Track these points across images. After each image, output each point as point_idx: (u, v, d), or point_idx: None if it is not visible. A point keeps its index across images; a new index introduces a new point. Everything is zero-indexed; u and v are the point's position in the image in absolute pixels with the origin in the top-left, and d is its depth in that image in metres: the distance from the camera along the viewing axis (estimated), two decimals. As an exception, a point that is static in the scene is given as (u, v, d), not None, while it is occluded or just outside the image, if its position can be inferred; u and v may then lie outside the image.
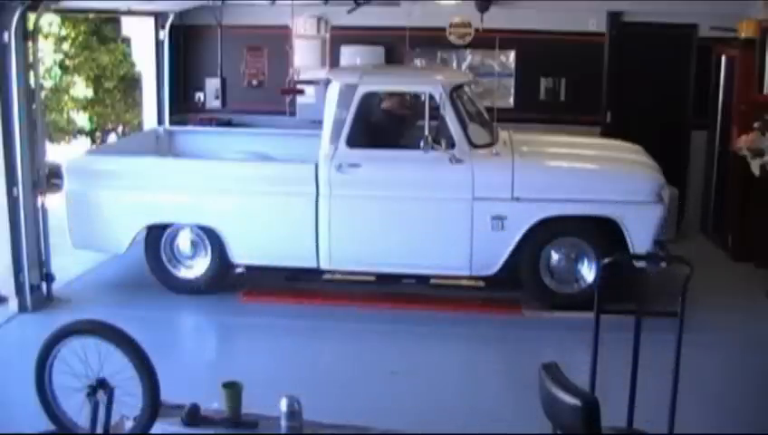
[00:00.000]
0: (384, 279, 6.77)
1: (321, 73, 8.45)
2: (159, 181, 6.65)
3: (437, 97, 6.29)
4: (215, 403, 3.47)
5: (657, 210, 6.22)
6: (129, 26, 9.50)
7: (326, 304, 6.60)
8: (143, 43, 9.36)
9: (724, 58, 8.13)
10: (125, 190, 6.60)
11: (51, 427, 3.43)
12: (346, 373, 5.33)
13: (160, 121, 9.20)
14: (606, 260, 3.73)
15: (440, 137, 6.27)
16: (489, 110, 7.92)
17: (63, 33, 13.07)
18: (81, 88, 13.53)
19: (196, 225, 6.65)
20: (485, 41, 9.05)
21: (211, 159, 7.25)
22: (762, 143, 7.34)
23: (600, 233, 6.28)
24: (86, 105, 13.75)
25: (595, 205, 6.23)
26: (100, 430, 3.21)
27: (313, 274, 6.74)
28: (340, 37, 9.30)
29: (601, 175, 6.44)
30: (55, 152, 12.10)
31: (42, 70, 11.51)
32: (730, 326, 6.22)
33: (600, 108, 8.99)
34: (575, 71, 9.02)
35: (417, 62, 9.37)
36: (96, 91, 13.68)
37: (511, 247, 6.30)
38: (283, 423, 3.19)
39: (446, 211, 6.31)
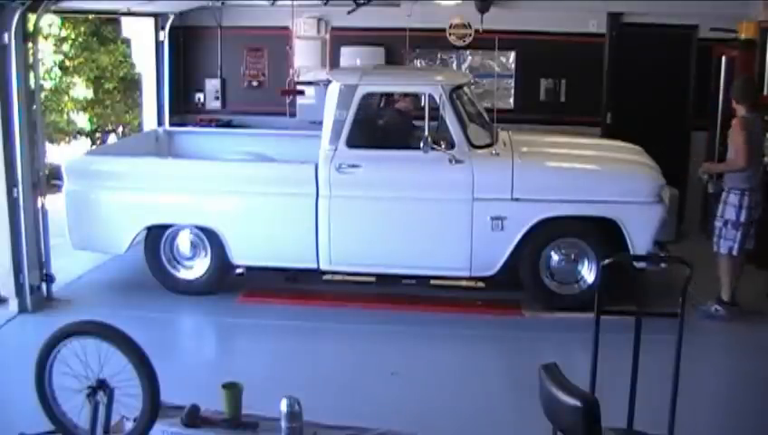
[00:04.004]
0: (384, 280, 6.77)
1: (321, 74, 8.46)
2: (159, 182, 6.66)
3: (437, 98, 6.29)
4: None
5: (657, 211, 6.22)
6: (128, 27, 9.50)
7: (326, 305, 6.60)
8: (143, 44, 9.37)
9: (724, 59, 8.13)
10: (125, 191, 6.60)
11: (50, 428, 3.43)
12: (346, 374, 5.33)
13: (160, 122, 9.21)
14: (606, 261, 3.73)
15: (440, 137, 6.27)
16: (489, 110, 7.94)
17: (63, 34, 13.06)
18: (80, 89, 13.52)
19: (195, 225, 6.65)
20: (485, 42, 9.06)
21: (211, 159, 7.24)
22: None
23: (601, 233, 6.29)
24: (86, 106, 13.74)
25: (595, 205, 6.23)
26: (99, 430, 3.21)
27: (313, 274, 6.74)
28: (340, 38, 9.30)
29: (601, 175, 6.44)
30: (55, 153, 12.10)
31: (42, 71, 11.50)
32: (730, 327, 6.22)
33: (600, 109, 8.99)
34: (575, 71, 9.02)
35: (417, 62, 9.38)
36: (96, 92, 13.66)
37: (511, 248, 6.30)
38: (283, 424, 3.18)
39: (445, 212, 6.31)
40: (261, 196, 6.48)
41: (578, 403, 2.63)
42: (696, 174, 8.60)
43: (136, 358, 3.13)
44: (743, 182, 6.16)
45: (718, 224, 6.30)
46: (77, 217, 6.64)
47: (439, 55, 9.40)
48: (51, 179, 7.09)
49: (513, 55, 9.24)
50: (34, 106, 6.34)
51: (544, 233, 6.33)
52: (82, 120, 13.92)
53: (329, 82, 6.75)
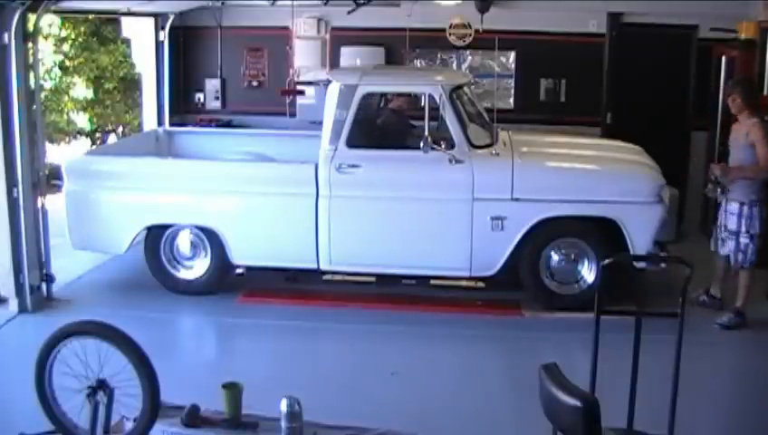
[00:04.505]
0: (384, 280, 6.77)
1: (322, 74, 8.46)
2: (159, 182, 6.66)
3: (437, 98, 6.29)
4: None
5: (657, 211, 6.22)
6: (128, 27, 9.50)
7: (326, 305, 6.60)
8: (143, 44, 9.37)
9: (724, 59, 8.13)
10: (125, 191, 6.60)
11: (50, 428, 3.43)
12: (346, 374, 5.33)
13: (160, 122, 9.21)
14: (606, 261, 3.73)
15: (440, 137, 6.27)
16: (489, 110, 7.94)
17: (63, 34, 13.07)
18: (80, 89, 13.53)
19: (195, 225, 6.65)
20: (485, 42, 9.06)
21: (211, 159, 7.24)
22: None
23: (601, 233, 6.28)
24: (86, 106, 13.75)
25: (595, 205, 6.23)
26: (99, 431, 3.21)
27: (313, 274, 6.74)
28: (340, 38, 9.30)
29: (601, 175, 6.44)
30: (55, 153, 12.11)
31: (42, 71, 11.52)
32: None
33: (600, 109, 8.99)
34: (575, 71, 9.02)
35: (417, 62, 9.38)
36: (96, 92, 13.67)
37: (511, 248, 6.29)
38: (283, 424, 3.18)
39: (445, 212, 6.31)
40: (261, 196, 6.48)
41: (578, 403, 2.63)
42: (695, 174, 8.64)
43: (136, 358, 3.13)
44: (761, 192, 5.98)
45: (744, 240, 5.99)
46: (77, 217, 6.64)
47: (439, 55, 9.40)
48: (51, 179, 7.08)
49: (513, 55, 9.23)
50: (34, 106, 6.34)
51: (544, 233, 6.33)
52: (82, 120, 13.93)
53: (329, 82, 6.75)
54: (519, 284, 6.52)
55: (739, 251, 6.06)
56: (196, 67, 9.73)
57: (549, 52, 8.97)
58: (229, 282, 6.88)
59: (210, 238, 6.62)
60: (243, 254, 6.61)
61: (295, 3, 8.23)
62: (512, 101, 9.30)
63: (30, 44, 6.17)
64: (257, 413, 3.45)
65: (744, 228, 6.01)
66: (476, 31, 9.01)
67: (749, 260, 6.05)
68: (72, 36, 13.23)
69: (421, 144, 6.05)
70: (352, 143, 6.37)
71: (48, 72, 12.77)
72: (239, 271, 6.94)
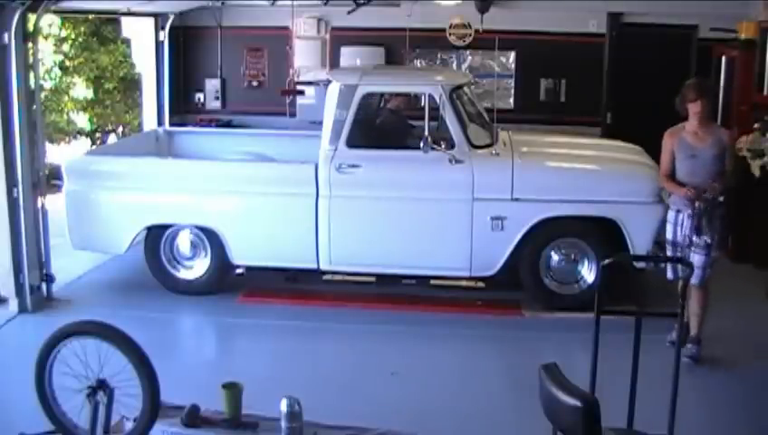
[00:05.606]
0: (384, 280, 6.77)
1: (321, 74, 8.47)
2: (159, 182, 6.65)
3: (437, 98, 6.29)
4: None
5: (657, 211, 6.21)
6: (129, 27, 9.51)
7: (326, 305, 6.59)
8: (143, 44, 9.39)
9: (724, 59, 8.13)
10: (125, 191, 6.60)
11: (50, 428, 3.43)
12: (346, 374, 5.33)
13: (160, 122, 9.22)
14: (606, 261, 3.73)
15: (440, 137, 6.27)
16: (489, 110, 7.94)
17: (63, 34, 13.07)
18: (80, 89, 13.53)
19: (195, 225, 6.65)
20: (485, 42, 9.07)
21: (211, 159, 7.24)
22: (762, 144, 7.33)
23: (601, 233, 6.29)
24: (86, 106, 13.75)
25: (595, 205, 6.23)
26: (99, 430, 3.21)
27: (313, 274, 6.74)
28: (340, 38, 9.32)
29: (601, 175, 6.44)
30: (55, 153, 12.11)
31: (42, 71, 11.51)
32: (730, 327, 6.22)
33: (600, 109, 9.00)
34: (575, 71, 9.03)
35: (417, 62, 9.38)
36: (96, 92, 13.67)
37: (511, 248, 6.29)
38: (283, 424, 3.19)
39: (445, 212, 6.31)
40: (261, 196, 6.48)
41: (578, 403, 2.63)
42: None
43: (136, 358, 3.13)
44: None
45: (714, 253, 5.41)
46: (77, 217, 6.64)
47: (439, 55, 9.41)
48: (51, 179, 7.09)
49: (513, 55, 9.25)
50: (34, 106, 6.34)
51: (544, 233, 6.33)
52: (82, 120, 13.93)
53: (329, 82, 6.75)
54: (519, 284, 6.52)
55: (708, 268, 5.43)
56: (196, 67, 9.74)
57: (549, 52, 8.98)
58: (229, 282, 6.88)
59: (210, 238, 6.62)
60: (243, 254, 6.61)
61: (295, 3, 8.23)
62: (512, 101, 9.31)
63: (30, 44, 6.17)
64: (257, 413, 3.45)
65: (715, 242, 5.43)
66: (476, 31, 9.02)
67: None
68: (72, 36, 13.23)
69: (421, 144, 6.05)
70: (352, 143, 6.37)
71: (48, 72, 12.76)
72: (239, 271, 6.94)
